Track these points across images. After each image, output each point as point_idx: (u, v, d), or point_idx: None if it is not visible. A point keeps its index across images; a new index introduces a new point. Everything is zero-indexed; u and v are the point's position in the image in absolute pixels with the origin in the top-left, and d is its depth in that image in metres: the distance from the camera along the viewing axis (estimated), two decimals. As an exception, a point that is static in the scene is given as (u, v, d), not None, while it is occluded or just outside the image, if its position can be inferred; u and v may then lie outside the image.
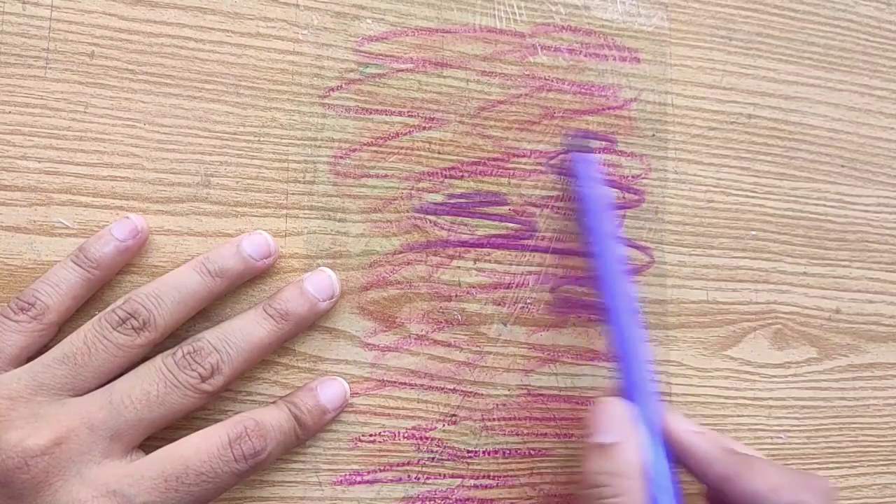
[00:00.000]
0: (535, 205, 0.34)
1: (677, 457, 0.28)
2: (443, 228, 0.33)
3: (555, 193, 0.33)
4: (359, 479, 0.31)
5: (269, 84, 0.31)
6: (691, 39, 0.36)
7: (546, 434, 0.33)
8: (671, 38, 0.36)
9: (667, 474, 0.27)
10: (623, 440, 0.27)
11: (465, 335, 0.32)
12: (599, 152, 0.34)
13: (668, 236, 0.35)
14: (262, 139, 0.31)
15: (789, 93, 0.37)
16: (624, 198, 0.35)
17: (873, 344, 0.37)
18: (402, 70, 0.33)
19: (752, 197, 0.36)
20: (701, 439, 0.28)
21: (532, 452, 0.33)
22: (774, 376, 0.36)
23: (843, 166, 0.38)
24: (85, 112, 0.30)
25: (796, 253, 0.37)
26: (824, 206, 0.37)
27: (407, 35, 0.33)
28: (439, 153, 0.33)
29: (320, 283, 0.30)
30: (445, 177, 0.33)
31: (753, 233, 0.36)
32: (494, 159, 0.33)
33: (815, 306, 0.37)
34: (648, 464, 0.27)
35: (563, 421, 0.33)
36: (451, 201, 0.33)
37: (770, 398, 0.36)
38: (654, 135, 0.35)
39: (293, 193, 0.31)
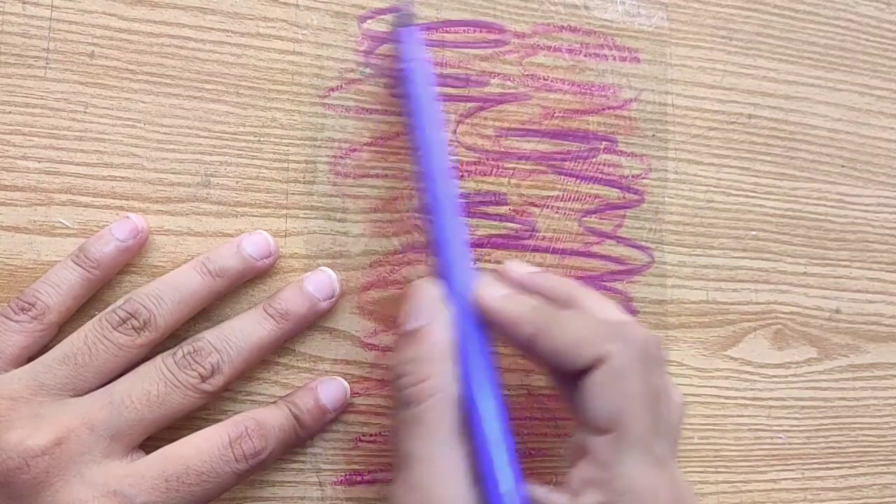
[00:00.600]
0: (535, 205, 0.34)
1: (490, 326, 0.26)
2: (443, 228, 0.33)
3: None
4: (359, 479, 0.31)
5: (269, 84, 0.31)
6: (691, 39, 0.36)
7: (546, 434, 0.33)
8: (671, 38, 0.36)
9: (479, 350, 0.26)
10: (428, 322, 0.25)
11: (465, 335, 0.32)
12: (427, 30, 0.31)
13: (668, 236, 0.35)
14: (262, 139, 0.31)
15: (789, 93, 0.37)
16: (624, 198, 0.35)
17: (873, 344, 0.37)
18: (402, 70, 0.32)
19: (752, 197, 0.36)
20: (508, 302, 0.26)
21: (532, 452, 0.33)
22: (774, 376, 0.36)
23: (843, 166, 0.38)
24: (85, 112, 0.30)
25: (796, 253, 0.37)
26: (824, 206, 0.37)
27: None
28: (439, 153, 0.33)
29: (320, 282, 0.30)
30: (445, 177, 0.33)
31: (753, 233, 0.36)
32: (494, 159, 0.33)
33: (815, 306, 0.37)
34: (456, 342, 0.25)
35: (563, 421, 0.33)
36: (451, 201, 0.33)
37: (770, 398, 0.36)
38: (654, 135, 0.35)
39: (293, 193, 0.31)
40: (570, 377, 0.25)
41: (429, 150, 0.28)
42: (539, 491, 0.25)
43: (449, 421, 0.24)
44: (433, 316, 0.26)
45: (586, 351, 0.25)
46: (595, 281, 0.34)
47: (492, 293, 0.26)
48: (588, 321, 0.26)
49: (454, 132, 0.33)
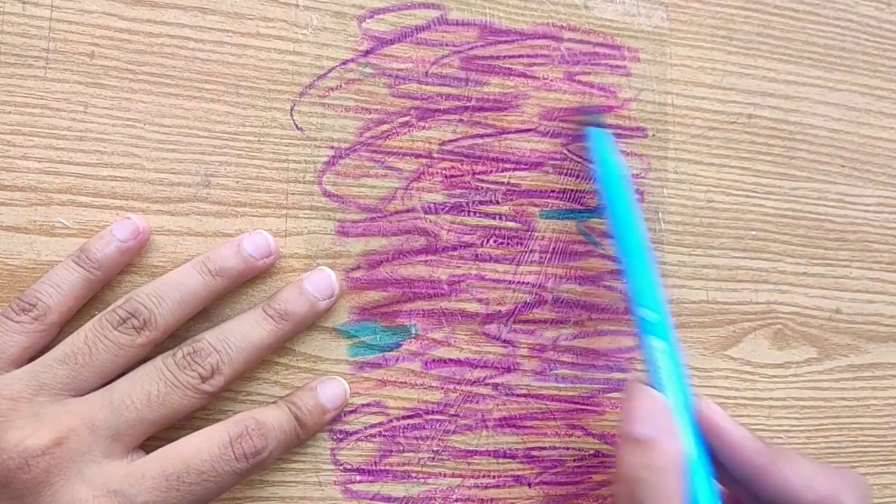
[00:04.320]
0: (535, 205, 0.34)
1: (710, 447, 0.27)
2: (443, 228, 0.33)
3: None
4: (359, 478, 0.31)
5: (269, 84, 0.31)
6: (691, 39, 0.36)
7: (546, 434, 0.33)
8: (671, 38, 0.36)
9: (705, 468, 0.26)
10: (661, 435, 0.26)
11: (465, 335, 0.32)
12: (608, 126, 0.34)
13: (668, 236, 0.35)
14: (262, 139, 0.31)
15: (789, 93, 0.37)
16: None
17: (873, 344, 0.37)
18: (402, 70, 0.33)
19: (752, 197, 0.36)
20: (736, 427, 0.27)
21: (532, 452, 0.33)
22: (774, 376, 0.36)
23: (843, 166, 0.38)
24: (85, 112, 0.30)
25: (796, 253, 0.37)
26: (824, 206, 0.37)
27: (407, 35, 0.33)
28: (439, 153, 0.33)
29: (320, 282, 0.30)
30: (445, 177, 0.33)
31: (753, 233, 0.36)
32: (494, 159, 0.33)
33: (815, 306, 0.37)
34: (687, 460, 0.26)
35: (563, 421, 0.33)
36: (451, 201, 0.33)
37: (770, 398, 0.36)
38: (654, 135, 0.35)
39: (293, 193, 0.31)
40: None
41: (628, 246, 0.30)
42: None
43: None
44: (666, 429, 0.26)
45: (818, 491, 0.26)
46: (595, 281, 0.34)
47: (718, 414, 0.28)
48: (814, 463, 0.27)
49: (454, 132, 0.33)
